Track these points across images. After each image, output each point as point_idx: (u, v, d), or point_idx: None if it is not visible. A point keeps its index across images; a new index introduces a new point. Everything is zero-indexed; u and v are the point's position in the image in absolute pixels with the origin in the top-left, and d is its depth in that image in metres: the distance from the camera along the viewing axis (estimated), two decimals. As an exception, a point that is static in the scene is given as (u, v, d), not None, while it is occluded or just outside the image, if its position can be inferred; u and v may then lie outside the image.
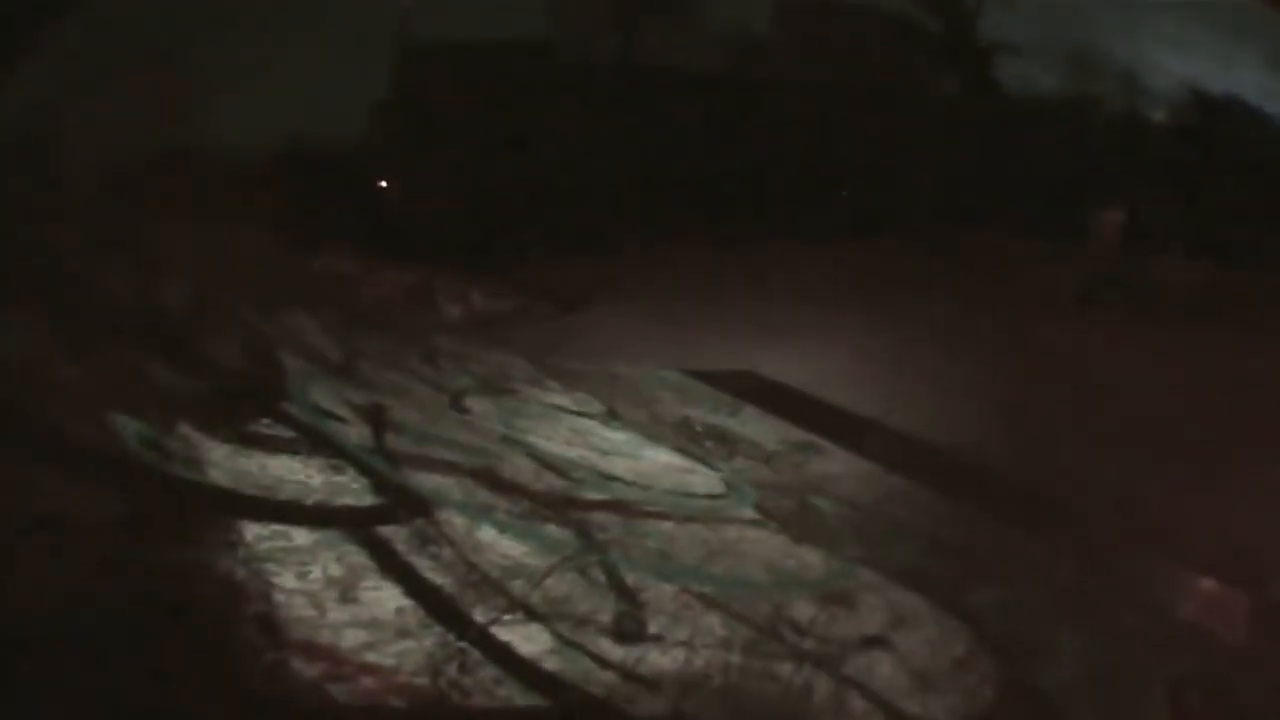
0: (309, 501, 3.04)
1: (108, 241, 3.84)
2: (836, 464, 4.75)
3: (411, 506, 3.30)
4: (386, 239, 6.24)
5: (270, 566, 2.65)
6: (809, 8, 11.46)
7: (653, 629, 2.97)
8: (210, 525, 2.71)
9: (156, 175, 5.01)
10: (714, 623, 3.06)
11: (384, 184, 6.99)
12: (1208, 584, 3.97)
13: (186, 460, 2.92)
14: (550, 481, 4.05)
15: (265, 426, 3.29)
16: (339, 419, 3.67)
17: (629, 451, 4.60)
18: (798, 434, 5.01)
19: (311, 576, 2.69)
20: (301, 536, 2.83)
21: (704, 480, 4.42)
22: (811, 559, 3.73)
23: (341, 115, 7.49)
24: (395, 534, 3.05)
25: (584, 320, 6.42)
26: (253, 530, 2.78)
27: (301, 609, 2.54)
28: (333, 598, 2.63)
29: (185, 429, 2.96)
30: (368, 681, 2.29)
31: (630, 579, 3.27)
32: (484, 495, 3.71)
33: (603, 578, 3.27)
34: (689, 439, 4.78)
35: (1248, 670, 3.70)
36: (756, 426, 5.09)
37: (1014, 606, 3.57)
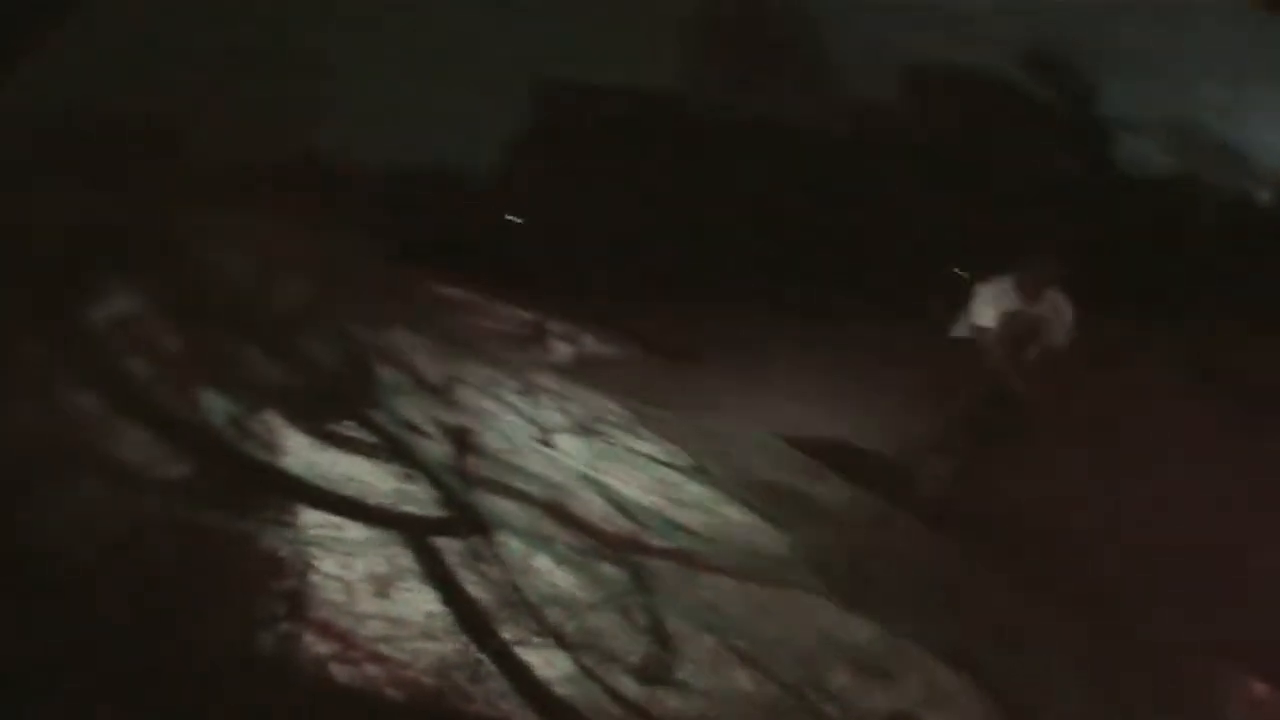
0: (371, 501, 3.08)
1: (232, 234, 4.02)
2: (908, 537, 4.76)
3: (472, 524, 3.32)
4: (508, 272, 6.39)
5: (314, 551, 2.69)
6: (936, 75, 11.39)
7: (679, 675, 2.91)
8: (268, 504, 2.77)
9: (288, 180, 5.26)
10: (743, 678, 3.00)
11: (513, 219, 7.14)
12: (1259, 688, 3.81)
13: (263, 444, 3.01)
14: (618, 524, 4.05)
15: (348, 428, 3.36)
16: (423, 434, 3.73)
17: (705, 506, 4.56)
18: (875, 503, 5.04)
19: (353, 568, 2.73)
20: (355, 531, 2.87)
21: (772, 541, 4.39)
22: (861, 629, 3.63)
23: (478, 148, 7.71)
24: (448, 546, 3.06)
25: (688, 373, 6.46)
26: (308, 516, 2.83)
27: (332, 593, 2.57)
28: (367, 590, 2.65)
29: (269, 415, 3.04)
30: (372, 669, 2.30)
31: (671, 625, 3.22)
32: (548, 527, 3.72)
33: (644, 620, 3.23)
34: (768, 500, 4.73)
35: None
36: (838, 494, 5.08)
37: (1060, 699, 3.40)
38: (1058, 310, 5.39)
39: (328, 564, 2.67)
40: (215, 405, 2.91)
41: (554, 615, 3.02)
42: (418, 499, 3.27)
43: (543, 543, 3.55)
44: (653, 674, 2.88)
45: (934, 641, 3.53)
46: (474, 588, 2.94)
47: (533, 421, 4.72)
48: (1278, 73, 9.50)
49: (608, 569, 3.58)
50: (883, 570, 4.26)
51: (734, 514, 4.65)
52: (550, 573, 3.35)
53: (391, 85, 6.69)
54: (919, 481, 5.39)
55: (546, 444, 4.59)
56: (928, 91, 11.04)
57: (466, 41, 6.98)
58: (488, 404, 4.54)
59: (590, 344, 6.50)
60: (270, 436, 3.06)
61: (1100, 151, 10.96)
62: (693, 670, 2.96)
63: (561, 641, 2.84)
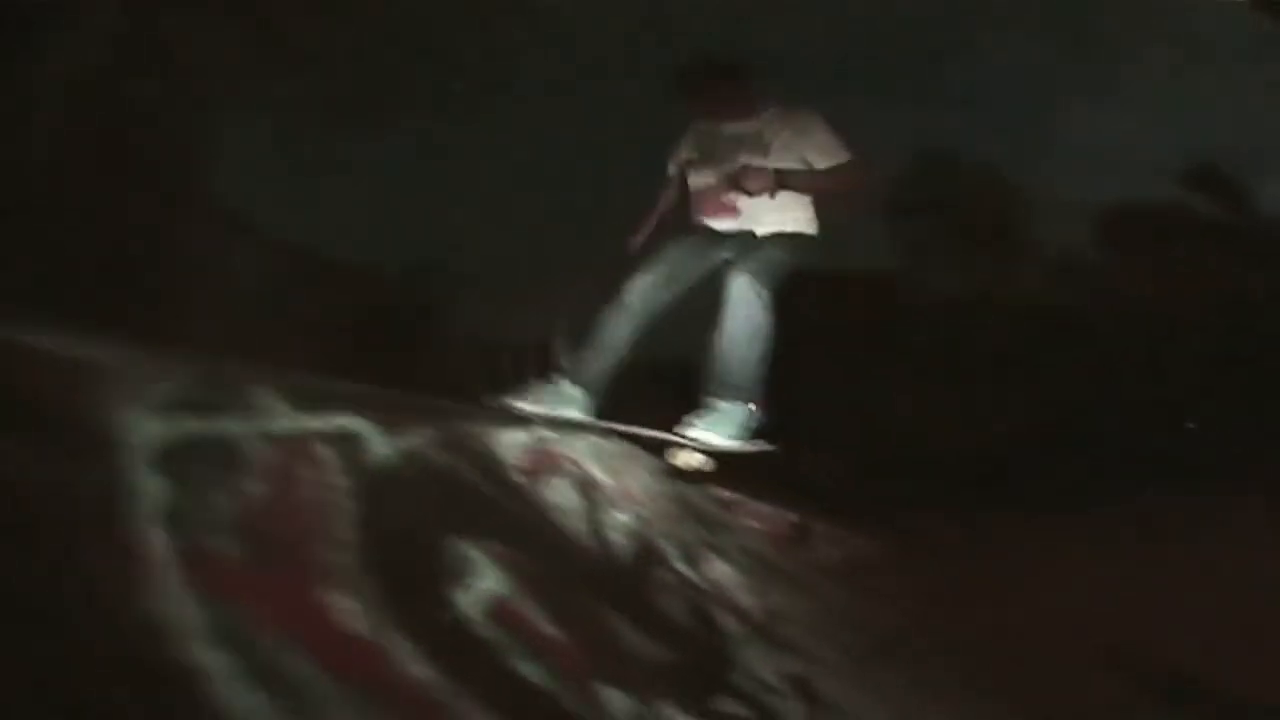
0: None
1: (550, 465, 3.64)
2: None
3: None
4: (762, 470, 5.93)
5: None
6: (1140, 225, 10.85)
7: None
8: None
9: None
10: None
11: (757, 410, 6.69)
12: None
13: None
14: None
15: (725, 703, 2.87)
16: (779, 692, 3.24)
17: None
18: None
19: None
20: None
21: None
22: None
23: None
24: None
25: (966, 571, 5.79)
26: None
27: None
28: None
29: (665, 706, 2.56)
30: None
31: None
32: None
33: None
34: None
35: None
36: None
37: None
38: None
39: None
40: (617, 704, 2.44)
41: None
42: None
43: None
44: None
45: None
46: None
47: (843, 648, 4.18)
48: None
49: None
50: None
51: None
52: None
53: None
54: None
55: (862, 672, 4.04)
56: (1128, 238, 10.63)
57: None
58: (804, 636, 4.02)
59: (858, 544, 5.98)
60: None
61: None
62: None
63: None
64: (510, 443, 3.65)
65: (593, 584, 3.05)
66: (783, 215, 5.12)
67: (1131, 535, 6.06)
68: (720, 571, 4.05)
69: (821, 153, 5.05)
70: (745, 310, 4.92)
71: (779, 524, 5.74)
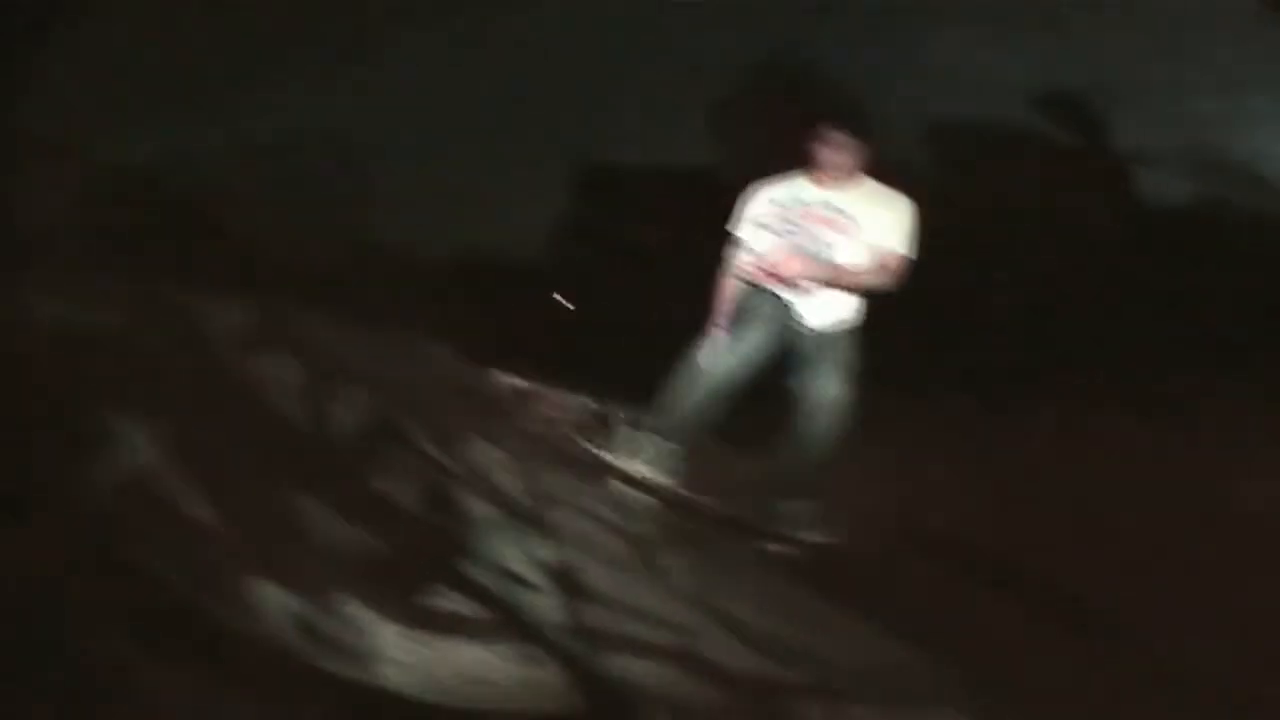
0: (500, 710, 2.05)
1: (273, 339, 3.03)
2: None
3: (617, 712, 2.31)
4: (571, 361, 5.48)
5: None
6: (969, 135, 10.80)
7: None
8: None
9: (335, 274, 4.36)
10: None
11: (567, 304, 6.33)
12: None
13: (347, 651, 1.96)
14: (750, 664, 3.09)
15: (445, 597, 2.33)
16: (529, 585, 2.73)
17: (839, 627, 3.63)
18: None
19: None
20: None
21: (922, 675, 3.42)
22: None
23: (524, 233, 6.92)
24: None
25: (766, 459, 5.49)
26: None
27: None
28: None
29: (349, 604, 2.00)
30: None
31: None
32: (685, 685, 2.74)
33: None
34: (899, 613, 3.81)
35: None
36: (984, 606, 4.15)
37: None
38: None
39: None
40: (275, 603, 1.87)
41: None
42: (552, 689, 2.24)
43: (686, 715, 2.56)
44: None
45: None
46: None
47: (629, 537, 3.73)
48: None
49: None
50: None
51: (870, 639, 3.67)
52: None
53: (423, 169, 5.86)
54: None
55: (650, 565, 3.60)
56: (957, 149, 10.52)
57: (502, 123, 6.24)
58: (582, 525, 3.54)
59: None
60: (355, 637, 2.00)
61: (1124, 190, 10.33)
62: None
63: None
64: (227, 316, 3.03)
65: (285, 464, 2.45)
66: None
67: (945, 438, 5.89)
68: (484, 454, 3.49)
69: (895, 241, 4.55)
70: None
71: (578, 412, 5.26)
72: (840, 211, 4.58)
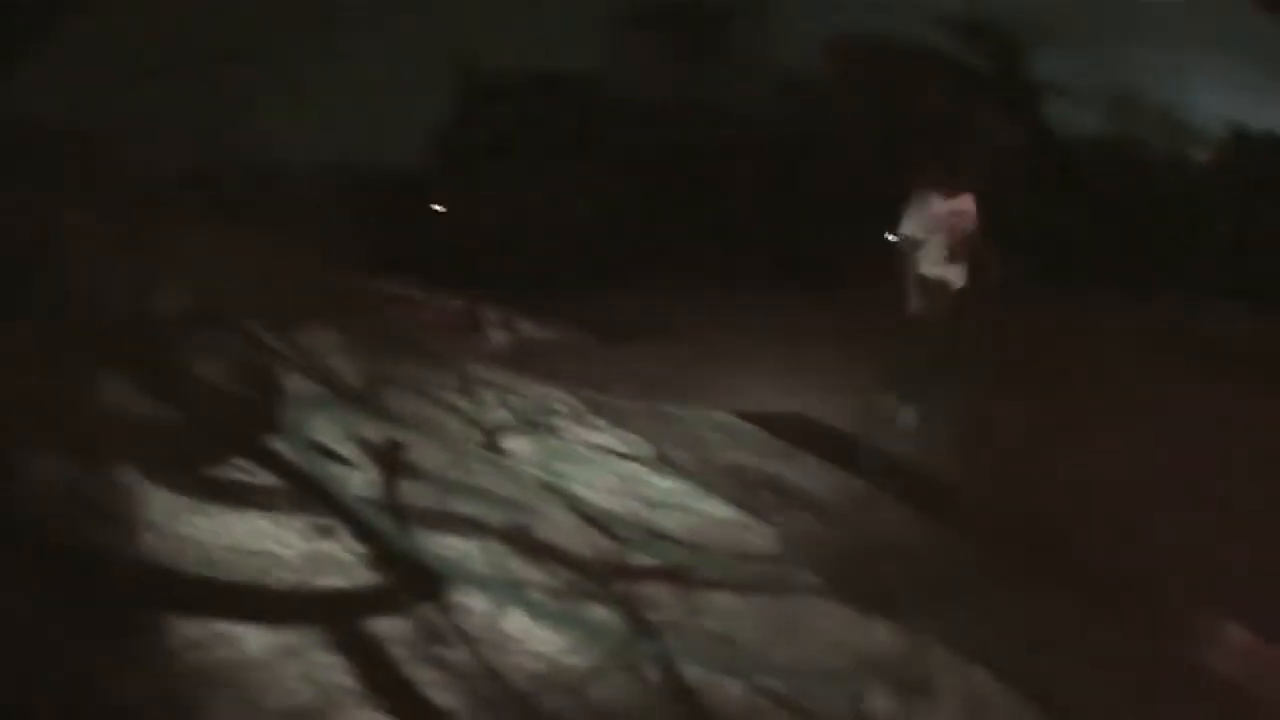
0: (275, 584, 2.02)
1: (123, 244, 2.91)
2: (893, 516, 3.98)
3: (419, 586, 2.31)
4: (438, 263, 5.40)
5: (206, 694, 1.63)
6: (864, 49, 10.80)
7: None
8: (120, 624, 1.70)
9: (202, 181, 4.24)
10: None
11: (439, 208, 6.25)
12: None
13: (114, 518, 1.91)
14: (592, 542, 3.12)
15: (240, 470, 2.28)
16: (341, 460, 2.69)
17: (680, 504, 3.66)
18: (852, 483, 4.19)
19: (262, 705, 1.68)
20: (258, 641, 1.81)
21: (760, 538, 3.55)
22: (882, 634, 2.98)
23: (399, 139, 6.75)
24: (392, 630, 2.04)
25: (629, 355, 5.51)
26: (186, 630, 1.76)
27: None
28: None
29: (122, 472, 1.95)
30: None
31: (688, 674, 2.45)
32: (514, 564, 2.77)
33: (656, 675, 2.43)
34: (743, 489, 3.89)
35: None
36: (809, 474, 4.26)
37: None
38: (967, 206, 5.42)
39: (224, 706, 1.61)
40: (37, 472, 1.82)
41: (551, 701, 2.06)
42: (340, 562, 2.23)
43: (512, 592, 2.58)
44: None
45: (960, 643, 2.90)
46: (438, 692, 1.92)
47: (474, 423, 3.73)
48: (1215, 37, 9.11)
49: (598, 612, 2.68)
50: (883, 563, 3.47)
51: (712, 509, 3.77)
52: (530, 636, 2.39)
53: (310, 78, 5.65)
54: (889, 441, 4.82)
55: (494, 449, 3.60)
56: (854, 64, 10.49)
57: (385, 31, 6.03)
58: (421, 408, 3.50)
59: (528, 330, 5.50)
60: (125, 506, 1.95)
61: (1034, 118, 10.50)
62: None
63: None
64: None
65: (90, 343, 2.36)
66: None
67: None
68: (321, 340, 3.42)
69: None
70: None
71: (449, 313, 5.19)
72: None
